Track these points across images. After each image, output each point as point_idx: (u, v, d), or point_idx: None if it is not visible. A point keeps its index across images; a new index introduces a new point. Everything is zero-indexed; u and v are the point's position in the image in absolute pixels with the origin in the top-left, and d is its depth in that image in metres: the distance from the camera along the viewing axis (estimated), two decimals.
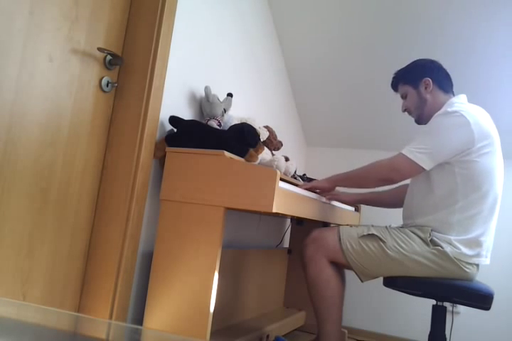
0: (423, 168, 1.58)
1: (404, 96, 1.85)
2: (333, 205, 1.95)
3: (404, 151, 1.60)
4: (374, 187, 1.80)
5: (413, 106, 1.82)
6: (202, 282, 1.36)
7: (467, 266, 1.59)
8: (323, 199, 1.80)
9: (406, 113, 1.88)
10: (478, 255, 1.60)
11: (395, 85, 1.89)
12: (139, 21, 1.52)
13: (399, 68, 1.89)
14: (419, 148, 1.58)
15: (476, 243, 1.59)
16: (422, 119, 1.82)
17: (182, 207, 1.43)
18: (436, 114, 1.67)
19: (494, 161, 1.63)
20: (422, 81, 1.78)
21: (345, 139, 2.87)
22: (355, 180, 1.78)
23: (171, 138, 1.50)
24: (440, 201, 1.63)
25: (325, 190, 1.80)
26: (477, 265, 1.63)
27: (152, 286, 1.43)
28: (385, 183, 1.71)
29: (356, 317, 2.67)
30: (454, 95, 1.79)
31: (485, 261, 1.63)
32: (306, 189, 1.71)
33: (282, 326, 2.12)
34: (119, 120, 1.49)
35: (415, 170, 1.59)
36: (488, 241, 1.64)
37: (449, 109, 1.62)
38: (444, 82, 1.80)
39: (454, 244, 1.58)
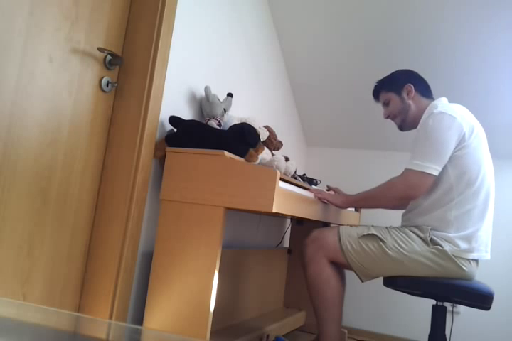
0: (434, 176, 1.59)
1: (386, 103, 1.89)
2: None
3: (413, 167, 1.60)
4: (393, 206, 1.82)
5: (396, 112, 1.86)
6: (202, 282, 1.36)
7: (466, 263, 1.60)
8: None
9: (389, 119, 1.92)
10: (477, 250, 1.62)
11: (376, 93, 1.93)
12: (139, 21, 1.52)
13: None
14: (424, 158, 1.59)
15: (474, 238, 1.62)
16: (405, 125, 1.88)
17: (182, 207, 1.43)
18: (424, 118, 1.70)
19: (482, 154, 1.67)
20: (404, 87, 1.84)
21: (345, 139, 2.87)
22: (373, 202, 1.75)
23: (171, 138, 1.50)
24: (437, 200, 1.65)
25: (336, 206, 1.81)
26: (476, 261, 1.65)
27: (152, 286, 1.43)
28: (404, 201, 1.70)
29: (356, 317, 2.67)
30: (434, 99, 1.83)
31: (485, 256, 1.66)
32: (317, 196, 1.74)
33: (282, 326, 2.12)
34: (119, 120, 1.49)
35: (430, 180, 1.60)
36: (485, 236, 1.67)
37: (435, 110, 1.65)
38: (424, 87, 1.86)
39: (453, 241, 1.60)
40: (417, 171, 1.59)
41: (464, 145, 1.62)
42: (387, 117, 1.91)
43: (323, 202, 1.77)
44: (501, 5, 1.97)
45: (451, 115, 1.62)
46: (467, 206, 1.63)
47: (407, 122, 1.86)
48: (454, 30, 2.14)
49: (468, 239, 1.61)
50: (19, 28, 1.19)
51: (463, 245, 1.60)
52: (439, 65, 2.28)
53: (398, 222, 1.79)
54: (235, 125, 1.53)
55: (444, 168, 1.62)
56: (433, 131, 1.61)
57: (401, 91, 1.84)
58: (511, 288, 2.41)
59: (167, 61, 1.53)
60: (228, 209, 1.40)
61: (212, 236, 1.37)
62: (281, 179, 1.40)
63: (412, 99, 1.83)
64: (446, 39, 2.18)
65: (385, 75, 1.94)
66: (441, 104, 1.75)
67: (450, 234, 1.61)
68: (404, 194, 1.62)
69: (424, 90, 1.85)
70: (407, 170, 1.62)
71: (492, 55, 2.16)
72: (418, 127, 1.73)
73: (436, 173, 1.59)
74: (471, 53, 2.19)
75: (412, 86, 1.82)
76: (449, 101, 1.79)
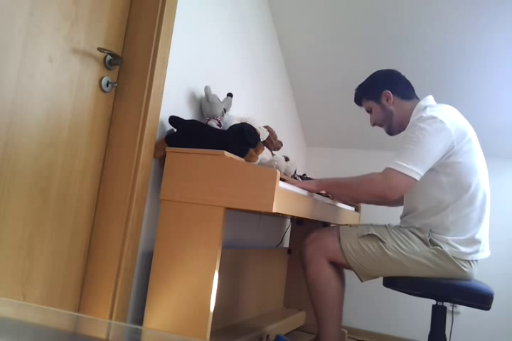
0: (416, 180, 1.55)
1: (369, 111, 1.87)
2: (333, 205, 1.95)
3: (397, 167, 1.55)
4: (366, 201, 1.78)
5: (381, 120, 1.84)
6: (202, 282, 1.36)
7: (466, 264, 1.60)
8: (324, 200, 1.80)
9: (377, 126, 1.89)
10: (476, 251, 1.61)
11: (358, 101, 1.90)
12: (139, 21, 1.52)
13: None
14: (410, 161, 1.54)
15: (473, 242, 1.61)
16: (392, 130, 1.85)
17: (182, 207, 1.43)
18: (412, 120, 1.65)
19: (475, 157, 1.64)
20: (382, 94, 1.80)
21: (345, 139, 2.87)
22: (346, 191, 1.70)
23: (171, 138, 1.50)
24: (432, 207, 1.64)
25: (311, 192, 1.78)
26: (476, 261, 1.64)
27: (152, 286, 1.43)
28: (379, 200, 1.63)
29: (356, 317, 2.67)
30: (418, 99, 1.79)
31: (482, 255, 1.65)
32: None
33: (282, 326, 2.12)
34: (119, 120, 1.49)
35: (411, 184, 1.55)
36: (484, 236, 1.66)
37: (424, 115, 1.60)
38: (404, 90, 1.81)
39: (452, 244, 1.59)
40: (401, 173, 1.53)
41: (454, 151, 1.58)
42: (374, 125, 1.88)
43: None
44: (491, 2, 1.96)
45: (442, 120, 1.56)
46: (465, 210, 1.61)
47: (393, 127, 1.82)
48: (454, 30, 2.14)
49: (467, 243, 1.60)
50: (19, 28, 1.19)
51: (462, 248, 1.59)
52: (440, 64, 2.28)
53: (397, 221, 1.79)
54: (235, 125, 1.53)
55: (437, 175, 1.60)
56: (422, 135, 1.55)
57: (380, 99, 1.80)
58: (511, 287, 2.41)
59: (167, 61, 1.53)
60: (228, 209, 1.40)
61: (212, 236, 1.37)
62: (281, 179, 1.40)
63: (392, 104, 1.78)
64: (447, 40, 2.18)
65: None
66: (430, 105, 1.69)
67: (448, 238, 1.60)
68: (382, 193, 1.56)
69: (405, 93, 1.79)
70: (389, 170, 1.56)
71: (493, 55, 2.16)
72: (407, 128, 1.68)
73: (418, 178, 1.54)
74: (471, 53, 2.19)
75: (390, 92, 1.78)
76: (448, 101, 1.77)
